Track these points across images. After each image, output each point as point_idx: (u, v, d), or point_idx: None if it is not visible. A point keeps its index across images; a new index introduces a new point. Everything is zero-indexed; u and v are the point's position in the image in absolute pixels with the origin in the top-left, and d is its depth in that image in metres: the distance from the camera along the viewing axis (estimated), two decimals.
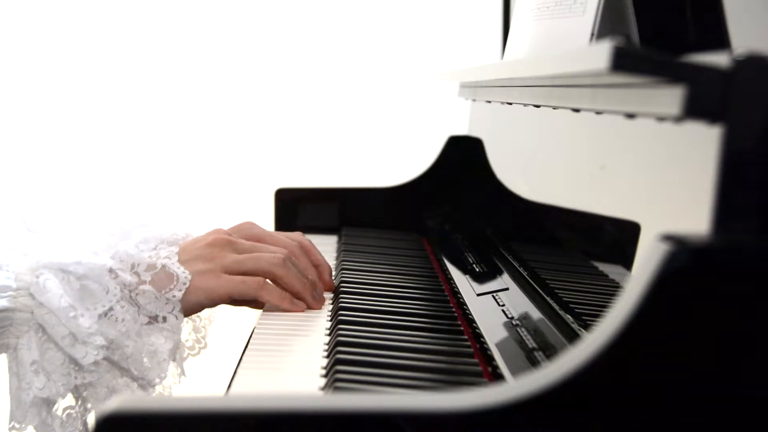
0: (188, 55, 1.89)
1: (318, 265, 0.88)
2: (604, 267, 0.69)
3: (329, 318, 0.81)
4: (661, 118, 0.52)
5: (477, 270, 0.97)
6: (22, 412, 0.70)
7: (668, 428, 0.46)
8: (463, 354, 0.72)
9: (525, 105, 0.88)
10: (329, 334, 0.76)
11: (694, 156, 0.50)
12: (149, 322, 0.74)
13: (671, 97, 0.47)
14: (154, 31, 1.88)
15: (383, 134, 1.89)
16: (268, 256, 0.80)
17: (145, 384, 0.73)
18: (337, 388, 0.61)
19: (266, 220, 1.23)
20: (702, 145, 0.48)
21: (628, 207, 0.63)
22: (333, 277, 0.91)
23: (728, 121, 0.45)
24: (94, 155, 1.88)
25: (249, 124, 1.91)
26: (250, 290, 0.77)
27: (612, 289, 0.65)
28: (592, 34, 0.73)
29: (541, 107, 0.83)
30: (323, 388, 0.63)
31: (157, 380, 0.73)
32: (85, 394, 0.72)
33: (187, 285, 0.74)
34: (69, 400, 0.73)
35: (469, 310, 0.83)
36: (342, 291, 0.87)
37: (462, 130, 1.32)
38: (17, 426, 0.70)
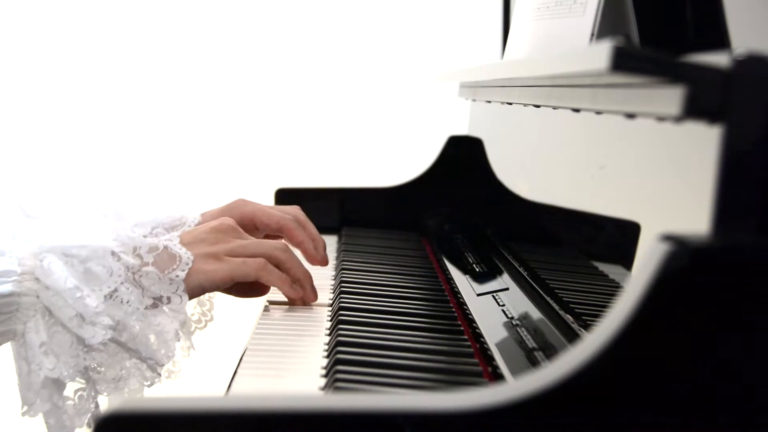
0: (189, 54, 1.89)
1: (313, 239, 0.88)
2: (604, 267, 0.69)
3: (329, 318, 0.81)
4: (661, 118, 0.52)
5: (477, 270, 0.97)
6: (33, 394, 0.69)
7: (668, 428, 0.46)
8: (463, 354, 0.72)
9: (525, 105, 0.88)
10: (329, 334, 0.76)
11: (694, 156, 0.50)
12: (153, 304, 0.73)
13: (671, 97, 0.47)
14: (155, 30, 1.88)
15: (383, 134, 1.89)
16: (272, 241, 0.81)
17: (153, 364, 0.73)
18: (337, 388, 0.61)
19: None
20: (702, 145, 0.48)
21: (628, 207, 0.63)
22: (333, 277, 0.91)
23: (728, 121, 0.45)
24: (94, 154, 1.89)
25: (249, 123, 1.91)
26: (251, 271, 0.77)
27: (612, 289, 0.65)
28: (592, 34, 0.73)
29: (541, 107, 0.83)
30: (323, 388, 0.63)
31: (165, 360, 0.73)
32: (94, 376, 0.71)
33: (190, 265, 0.74)
34: (79, 383, 0.72)
35: (469, 310, 0.83)
36: (342, 291, 0.87)
37: (462, 130, 1.32)
38: (30, 411, 0.69)
